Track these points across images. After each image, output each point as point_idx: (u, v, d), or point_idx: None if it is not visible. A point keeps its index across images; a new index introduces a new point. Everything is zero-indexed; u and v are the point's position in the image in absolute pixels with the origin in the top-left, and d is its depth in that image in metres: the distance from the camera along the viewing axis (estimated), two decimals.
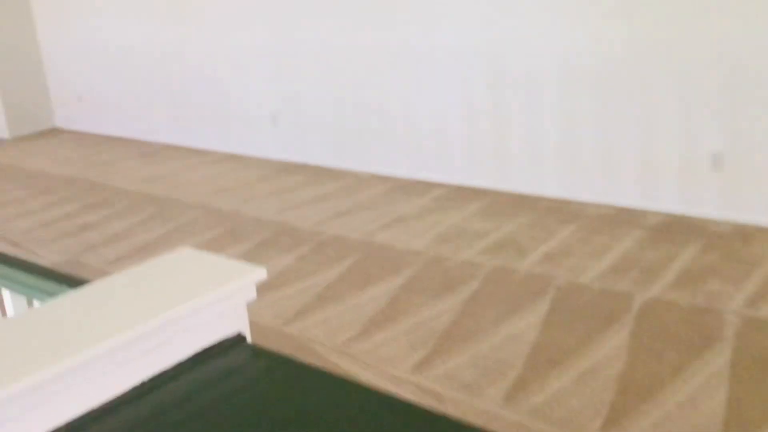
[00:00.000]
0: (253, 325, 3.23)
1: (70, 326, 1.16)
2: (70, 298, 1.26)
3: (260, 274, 1.33)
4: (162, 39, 6.56)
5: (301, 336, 3.24)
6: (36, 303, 1.68)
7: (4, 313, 1.86)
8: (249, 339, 1.36)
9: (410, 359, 3.00)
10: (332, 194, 5.15)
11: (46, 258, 4.30)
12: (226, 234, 4.53)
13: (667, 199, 4.28)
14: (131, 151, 6.73)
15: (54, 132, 7.67)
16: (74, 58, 7.42)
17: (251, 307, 3.40)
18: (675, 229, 4.05)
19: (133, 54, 6.85)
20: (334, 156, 5.72)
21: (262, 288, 3.71)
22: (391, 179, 5.35)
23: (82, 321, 1.18)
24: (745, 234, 3.92)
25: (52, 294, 1.59)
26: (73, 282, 1.59)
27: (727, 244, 3.82)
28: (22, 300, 1.75)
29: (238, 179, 5.63)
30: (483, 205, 4.72)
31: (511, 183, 4.89)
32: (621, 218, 4.27)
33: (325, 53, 5.54)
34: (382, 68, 5.28)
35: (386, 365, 2.96)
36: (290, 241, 4.35)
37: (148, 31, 6.65)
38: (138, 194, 5.41)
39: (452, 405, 2.67)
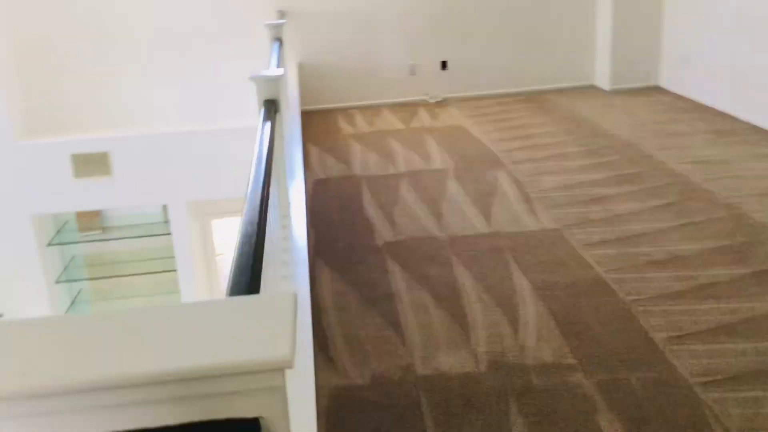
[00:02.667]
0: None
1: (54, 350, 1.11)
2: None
3: (285, 362, 1.04)
4: None
5: None
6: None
7: None
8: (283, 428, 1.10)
9: None
10: None
11: (539, 222, 4.29)
12: (734, 247, 3.76)
13: None
14: (709, 124, 6.08)
15: (652, 91, 7.45)
16: (689, 16, 6.97)
17: None
18: None
19: (747, 19, 6.05)
20: None
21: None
22: None
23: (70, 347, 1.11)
24: None
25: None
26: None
27: None
28: None
29: None
30: None
31: None
32: None
33: None
34: None
35: None
36: None
37: None
38: (677, 176, 4.89)
39: None
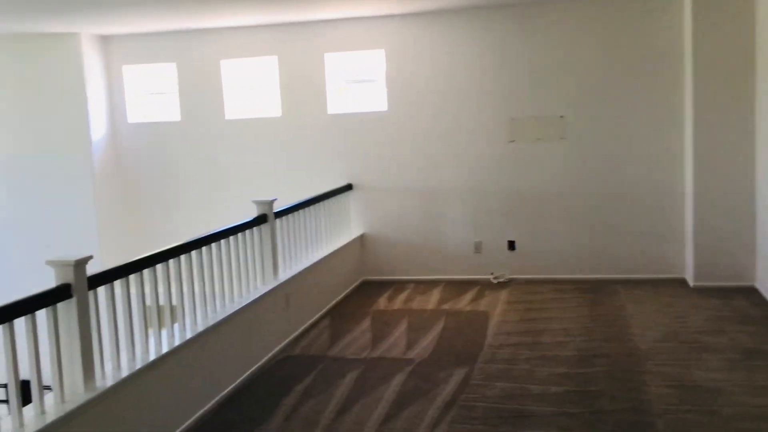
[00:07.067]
0: None
1: None
2: None
3: None
4: None
5: None
6: None
7: None
8: None
9: None
10: None
11: None
12: None
13: None
14: (740, 341, 5.16)
15: (737, 293, 6.45)
16: None
17: None
18: None
19: None
20: None
21: None
22: None
23: None
24: None
25: None
26: None
27: None
28: None
29: None
30: None
31: None
32: None
33: None
34: None
35: None
36: None
37: None
38: (640, 403, 4.19)
39: None
